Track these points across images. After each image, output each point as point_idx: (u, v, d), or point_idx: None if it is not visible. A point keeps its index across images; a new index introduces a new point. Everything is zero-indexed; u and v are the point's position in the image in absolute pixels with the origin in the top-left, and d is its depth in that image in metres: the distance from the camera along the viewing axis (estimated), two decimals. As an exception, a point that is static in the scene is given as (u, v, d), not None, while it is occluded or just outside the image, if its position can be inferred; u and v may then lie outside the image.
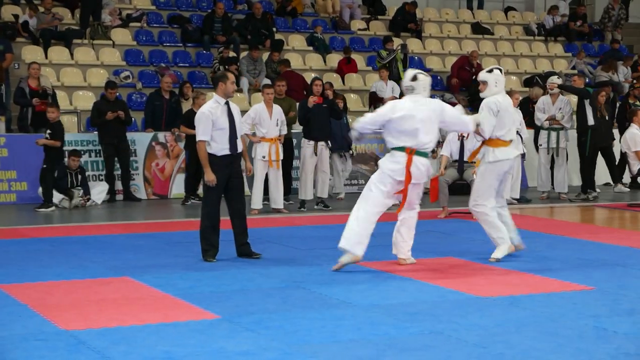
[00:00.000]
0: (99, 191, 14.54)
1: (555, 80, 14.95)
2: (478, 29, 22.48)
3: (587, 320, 6.80)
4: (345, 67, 19.30)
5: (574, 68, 21.36)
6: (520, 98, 15.53)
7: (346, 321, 6.74)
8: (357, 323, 6.69)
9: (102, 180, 14.86)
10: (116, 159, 14.72)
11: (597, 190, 15.27)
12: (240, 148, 9.42)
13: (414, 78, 8.89)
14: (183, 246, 10.24)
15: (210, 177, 9.17)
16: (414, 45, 20.84)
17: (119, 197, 14.82)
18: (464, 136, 13.11)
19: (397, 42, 19.43)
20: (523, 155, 14.62)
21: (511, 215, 9.75)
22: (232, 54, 18.30)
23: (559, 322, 6.76)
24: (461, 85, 19.17)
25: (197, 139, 9.29)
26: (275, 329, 6.51)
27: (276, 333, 6.40)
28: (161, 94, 15.36)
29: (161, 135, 15.25)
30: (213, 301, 7.38)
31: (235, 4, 20.90)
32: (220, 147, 9.24)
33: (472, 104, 18.41)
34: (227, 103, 9.35)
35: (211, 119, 9.19)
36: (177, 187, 15.25)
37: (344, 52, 19.56)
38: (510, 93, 14.53)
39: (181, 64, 18.53)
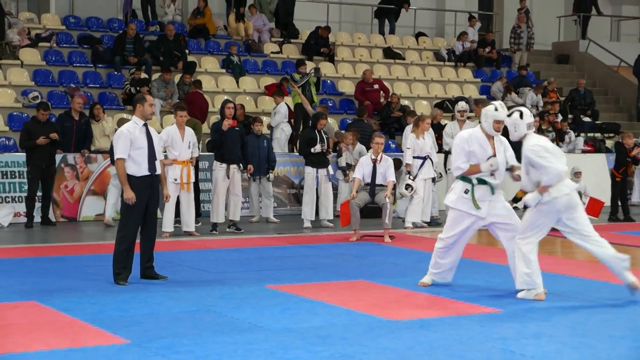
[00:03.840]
0: (4, 214, 14.22)
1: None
2: (390, 53, 22.76)
3: (494, 343, 6.92)
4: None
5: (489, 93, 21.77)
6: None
7: (258, 345, 6.72)
8: (269, 347, 6.67)
9: (8, 202, 14.54)
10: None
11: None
12: (159, 169, 9.40)
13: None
14: (93, 269, 10.08)
15: (129, 194, 9.11)
16: (326, 69, 20.98)
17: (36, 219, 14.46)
18: (376, 159, 13.25)
19: (310, 65, 19.54)
20: (434, 179, 14.83)
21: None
22: (144, 75, 18.15)
23: (468, 345, 6.86)
24: (373, 109, 19.34)
25: (115, 157, 9.28)
26: (186, 353, 6.46)
27: (187, 358, 6.34)
28: (71, 114, 15.13)
29: (70, 157, 15.01)
30: (122, 325, 7.28)
31: (147, 25, 20.75)
32: (139, 168, 9.22)
33: (383, 128, 18.63)
34: (145, 125, 9.36)
35: (130, 137, 9.19)
36: (87, 210, 15.03)
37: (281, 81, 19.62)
38: (421, 118, 14.85)
39: (91, 85, 18.30)
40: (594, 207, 14.26)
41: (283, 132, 17.25)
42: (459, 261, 9.40)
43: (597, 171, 18.16)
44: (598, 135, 21.38)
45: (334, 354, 6.52)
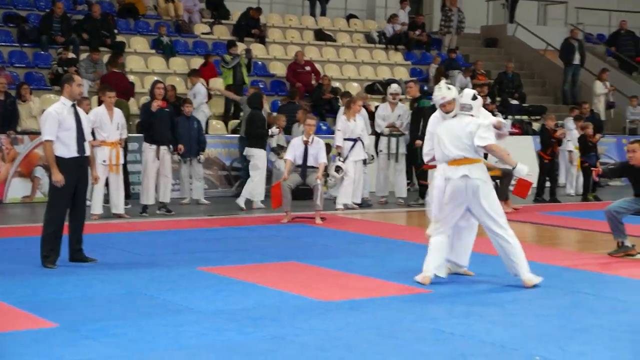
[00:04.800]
0: None
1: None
2: (321, 35, 22.76)
3: (425, 323, 6.99)
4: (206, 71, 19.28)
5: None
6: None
7: (190, 327, 6.70)
8: (201, 329, 6.66)
9: None
10: None
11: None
12: (88, 151, 9.28)
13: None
14: (21, 252, 9.92)
15: (58, 177, 8.98)
16: (257, 50, 20.90)
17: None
18: (307, 141, 13.26)
19: (241, 47, 19.46)
20: (364, 161, 14.90)
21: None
22: (71, 55, 17.86)
23: (398, 325, 6.93)
24: (305, 90, 19.34)
25: (43, 138, 9.14)
26: (118, 336, 6.41)
27: (118, 341, 6.29)
28: (-4, 95, 14.85)
29: (-4, 138, 14.75)
30: (51, 309, 7.19)
31: (75, 4, 20.41)
32: (68, 149, 9.09)
33: (315, 110, 18.65)
34: (73, 105, 9.23)
35: (57, 119, 9.04)
36: (13, 191, 14.78)
37: (204, 57, 19.49)
38: (352, 100, 14.90)
39: (17, 65, 17.94)
40: (522, 188, 14.45)
41: (203, 113, 17.02)
42: (392, 242, 9.46)
43: (525, 153, 18.38)
44: (525, 117, 21.70)
45: (265, 336, 6.53)
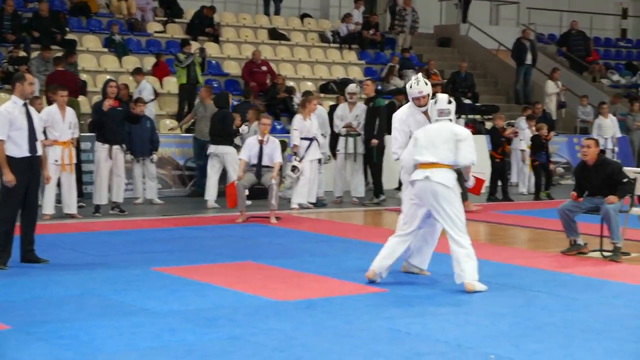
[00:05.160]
0: None
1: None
2: (275, 34, 22.72)
3: (381, 322, 7.01)
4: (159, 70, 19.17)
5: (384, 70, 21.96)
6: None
7: (144, 328, 6.65)
8: (156, 330, 6.61)
9: None
10: None
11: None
12: (40, 150, 9.16)
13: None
14: (-30, 254, 9.76)
15: (9, 177, 8.87)
16: (211, 49, 20.81)
17: None
18: (262, 140, 13.22)
19: (194, 45, 19.35)
20: (320, 161, 14.90)
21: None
22: (22, 53, 17.63)
23: (355, 325, 6.93)
24: (259, 89, 19.29)
25: None
26: (71, 338, 6.33)
27: (72, 342, 6.22)
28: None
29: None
30: (4, 311, 7.09)
31: (26, 2, 20.15)
32: (19, 149, 8.97)
33: (269, 109, 18.59)
34: (25, 104, 9.12)
35: (9, 118, 8.94)
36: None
37: (156, 57, 19.37)
38: (307, 99, 14.89)
39: (-33, 63, 17.68)
40: (475, 185, 14.52)
41: (150, 111, 16.82)
42: (347, 242, 9.47)
43: (478, 152, 18.39)
44: (478, 117, 21.83)
45: (221, 336, 6.50)
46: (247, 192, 13.04)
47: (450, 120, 8.57)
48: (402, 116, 9.14)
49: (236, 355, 6.06)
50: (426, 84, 8.87)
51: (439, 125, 8.51)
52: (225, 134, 14.47)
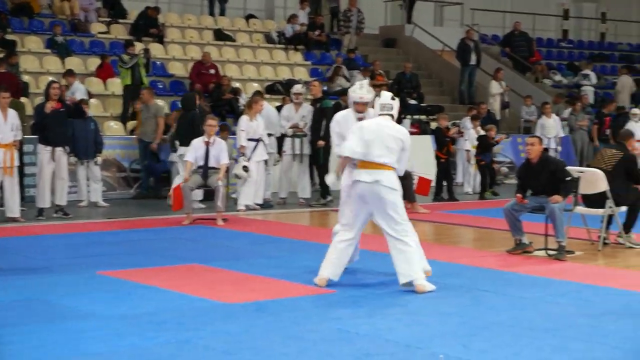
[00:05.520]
0: None
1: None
2: (220, 35, 22.63)
3: (330, 323, 7.01)
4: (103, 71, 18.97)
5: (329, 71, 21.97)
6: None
7: (91, 333, 6.57)
8: (103, 334, 6.53)
9: None
10: None
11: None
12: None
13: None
14: None
15: None
16: (156, 50, 20.65)
17: None
18: (208, 142, 13.15)
19: (139, 46, 19.20)
20: (266, 162, 14.87)
21: None
22: (-38, 54, 17.35)
23: (303, 326, 6.93)
24: (204, 91, 19.19)
25: None
26: (17, 343, 6.24)
27: (18, 348, 6.12)
28: None
29: None
30: (-54, 317, 6.97)
31: (-34, 2, 19.86)
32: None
33: (215, 110, 18.51)
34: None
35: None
36: None
37: (101, 58, 19.17)
38: (253, 100, 14.86)
39: None
40: (423, 186, 14.63)
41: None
42: (295, 243, 9.45)
43: (423, 153, 18.60)
44: (423, 117, 21.96)
45: (169, 340, 6.45)
46: (200, 194, 12.97)
47: (392, 116, 8.48)
48: (338, 119, 9.10)
49: (184, 359, 6.02)
50: (369, 91, 8.81)
51: (385, 124, 8.39)
52: (195, 136, 14.32)
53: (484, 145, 17.05)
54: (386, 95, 8.58)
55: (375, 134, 8.29)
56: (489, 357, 6.11)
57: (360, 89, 8.81)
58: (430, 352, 6.21)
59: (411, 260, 8.24)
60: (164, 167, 15.98)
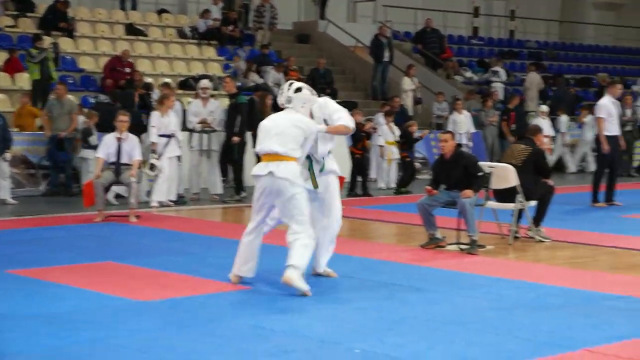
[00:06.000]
0: None
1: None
2: (132, 30, 22.35)
3: (245, 320, 6.98)
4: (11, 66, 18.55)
5: (229, 69, 21.85)
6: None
7: (4, 334, 6.42)
8: (14, 335, 6.39)
9: None
10: None
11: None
12: None
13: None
14: None
15: None
16: (66, 44, 20.30)
17: None
18: (120, 138, 12.98)
19: (48, 40, 18.83)
20: (179, 157, 14.75)
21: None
22: None
23: (219, 323, 6.89)
24: (116, 86, 18.93)
25: None
26: None
27: None
28: None
29: None
30: None
31: None
32: None
33: (126, 105, 18.28)
34: None
35: None
36: None
37: (8, 52, 18.74)
38: (165, 95, 14.74)
39: None
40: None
41: None
42: (209, 239, 9.38)
43: (338, 148, 18.57)
44: (337, 113, 22.00)
45: (81, 339, 6.35)
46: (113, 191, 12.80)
47: (299, 106, 8.30)
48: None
49: (98, 358, 5.93)
50: (298, 90, 8.36)
51: (285, 116, 8.28)
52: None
53: (409, 141, 17.28)
54: (291, 87, 8.40)
55: (273, 128, 8.18)
56: (404, 351, 6.16)
57: (284, 91, 8.47)
58: (346, 347, 6.23)
59: (299, 251, 7.93)
60: (65, 156, 15.71)
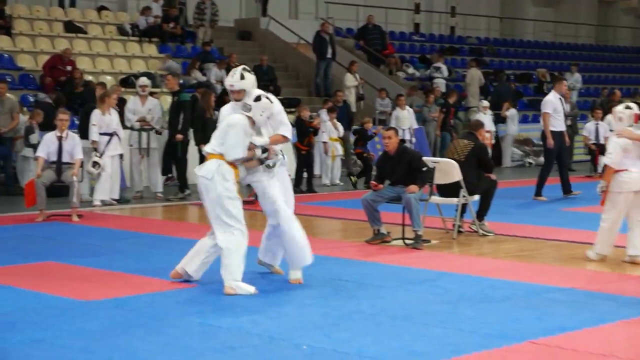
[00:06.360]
0: None
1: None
2: (71, 27, 22.06)
3: (192, 317, 6.94)
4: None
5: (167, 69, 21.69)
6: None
7: (-59, 336, 6.30)
8: (-46, 337, 6.27)
9: None
10: None
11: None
12: None
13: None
14: None
15: None
16: (3, 42, 19.98)
17: None
18: (61, 137, 12.82)
19: (-16, 38, 18.54)
20: (121, 156, 14.61)
21: None
22: None
23: (165, 321, 6.83)
24: (55, 85, 18.68)
25: None
26: None
27: None
28: None
29: None
30: None
31: None
32: None
33: (67, 104, 18.04)
34: None
35: None
36: None
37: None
38: (106, 93, 14.59)
39: None
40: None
41: None
42: (153, 237, 9.30)
43: (283, 145, 18.71)
44: (282, 110, 21.98)
45: (24, 340, 6.25)
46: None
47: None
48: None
49: (43, 358, 5.84)
50: (242, 77, 8.18)
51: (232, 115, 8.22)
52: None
53: (364, 138, 17.42)
54: (252, 96, 8.15)
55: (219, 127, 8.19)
56: (351, 346, 6.17)
57: (232, 75, 8.26)
58: (293, 343, 6.22)
59: (235, 254, 7.88)
60: (5, 151, 15.55)
